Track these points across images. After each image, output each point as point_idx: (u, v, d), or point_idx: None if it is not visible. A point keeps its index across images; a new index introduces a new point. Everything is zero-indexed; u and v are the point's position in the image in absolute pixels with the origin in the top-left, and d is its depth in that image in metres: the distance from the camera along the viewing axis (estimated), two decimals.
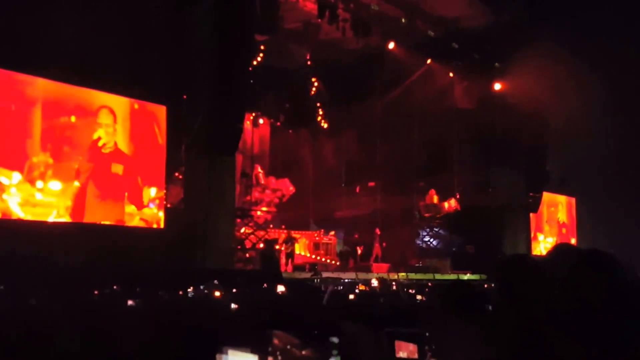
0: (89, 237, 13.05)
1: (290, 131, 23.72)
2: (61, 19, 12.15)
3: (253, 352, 2.33)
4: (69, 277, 10.30)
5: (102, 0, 12.89)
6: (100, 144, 13.84)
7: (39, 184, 12.77)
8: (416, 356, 3.18)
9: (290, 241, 19.31)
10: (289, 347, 2.32)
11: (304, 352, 2.36)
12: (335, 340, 2.68)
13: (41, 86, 13.04)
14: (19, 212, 12.47)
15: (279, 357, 2.29)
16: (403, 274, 19.95)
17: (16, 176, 12.44)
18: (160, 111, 15.05)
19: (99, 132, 13.87)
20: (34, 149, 12.82)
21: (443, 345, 2.90)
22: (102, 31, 12.66)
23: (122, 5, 13.16)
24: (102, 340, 6.98)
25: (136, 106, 14.73)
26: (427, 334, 3.10)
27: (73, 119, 13.50)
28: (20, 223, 12.39)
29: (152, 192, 14.83)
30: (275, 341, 2.32)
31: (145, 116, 14.94)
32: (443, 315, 3.06)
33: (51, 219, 12.95)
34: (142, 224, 14.59)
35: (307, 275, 17.22)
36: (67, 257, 11.53)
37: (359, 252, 22.11)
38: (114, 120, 14.10)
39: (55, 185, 13.05)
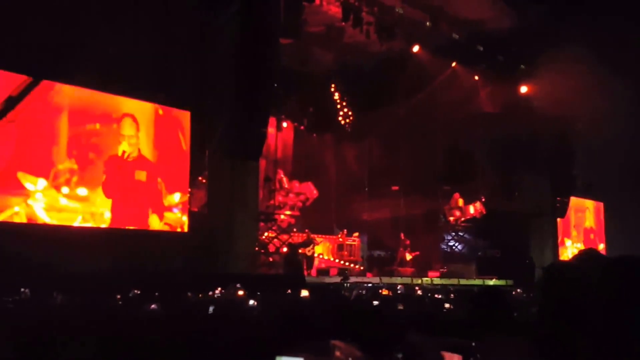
0: (113, 241, 13.12)
1: (314, 135, 23.69)
2: (87, 27, 12.25)
3: None
4: (94, 281, 10.36)
5: (126, 7, 12.96)
6: (125, 156, 13.93)
7: (65, 189, 12.90)
8: None
9: (310, 244, 19.23)
10: (350, 359, 2.24)
11: None
12: (399, 353, 2.63)
13: (67, 93, 13.15)
14: (44, 217, 12.59)
15: None
16: (427, 278, 19.81)
17: (42, 182, 12.57)
18: (185, 116, 15.12)
19: (123, 146, 13.96)
20: (60, 156, 12.95)
21: (489, 357, 2.85)
22: (127, 38, 12.74)
23: (146, 12, 13.24)
24: (125, 345, 6.99)
25: (160, 112, 14.81)
26: (473, 345, 3.08)
27: (98, 126, 13.62)
28: (46, 228, 12.50)
29: (176, 197, 14.89)
30: (337, 353, 2.24)
31: (169, 122, 15.01)
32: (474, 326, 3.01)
33: (76, 224, 13.05)
34: (166, 229, 14.65)
35: (331, 279, 17.19)
36: (92, 262, 11.59)
37: (409, 257, 22.01)
38: (137, 129, 14.20)
39: (81, 191, 13.16)
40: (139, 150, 14.25)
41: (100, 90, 13.52)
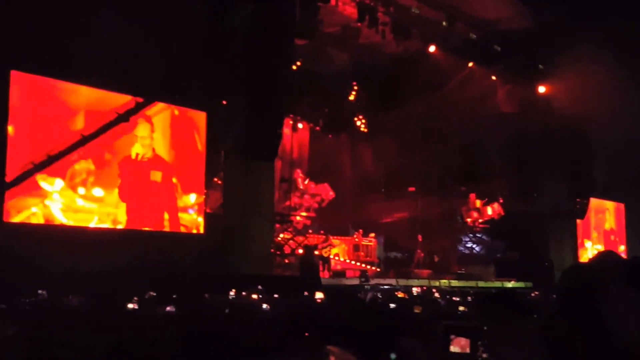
0: (129, 242, 13.14)
1: (330, 136, 23.61)
2: (102, 28, 12.29)
3: None
4: (109, 282, 10.37)
5: (141, 9, 12.98)
6: (139, 158, 13.95)
7: (81, 190, 12.95)
8: (468, 350, 3.20)
9: (327, 245, 19.20)
10: None
11: None
12: (393, 357, 2.64)
13: (83, 94, 13.21)
14: (61, 217, 12.65)
15: None
16: (445, 281, 19.64)
17: (59, 183, 12.63)
18: (200, 117, 15.14)
19: (136, 147, 13.99)
20: (76, 156, 12.99)
21: (497, 341, 2.84)
22: (142, 39, 12.76)
23: (161, 13, 13.24)
24: (141, 346, 6.98)
25: (176, 112, 14.82)
26: (484, 328, 3.11)
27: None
28: (62, 228, 12.55)
29: (192, 197, 14.90)
30: (332, 358, 2.23)
31: (185, 122, 15.04)
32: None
33: (92, 224, 13.10)
34: (182, 230, 14.66)
35: (348, 281, 17.12)
36: (108, 263, 11.60)
37: (436, 259, 21.91)
38: (151, 130, 14.22)
39: (97, 191, 13.21)
40: (154, 150, 14.28)
41: (116, 92, 13.57)
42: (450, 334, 3.26)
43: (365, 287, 15.23)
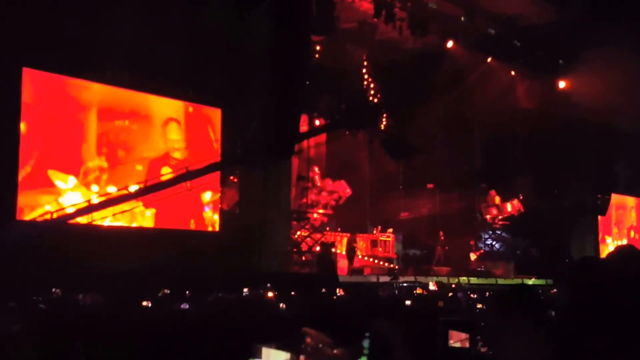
0: (143, 240, 13.09)
1: (347, 133, 23.44)
2: (115, 24, 12.24)
3: (285, 349, 2.40)
4: (124, 280, 10.31)
5: (156, 4, 12.92)
6: (172, 162, 13.93)
7: (94, 188, 12.91)
8: (467, 345, 3.25)
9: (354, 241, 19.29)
10: (320, 345, 2.36)
11: (335, 351, 2.38)
12: (366, 339, 2.65)
13: (96, 91, 13.19)
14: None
15: (311, 356, 2.33)
16: (464, 278, 19.45)
17: (72, 180, 12.61)
18: (215, 114, 15.06)
19: (175, 154, 13.91)
20: (90, 153, 13.00)
21: (497, 336, 2.73)
22: (157, 35, 12.72)
23: (176, 9, 13.18)
24: (157, 343, 6.91)
25: (190, 109, 14.75)
26: (481, 324, 3.17)
27: (127, 123, 13.61)
28: (76, 226, 12.49)
29: (207, 195, 14.82)
30: (308, 340, 2.35)
31: (199, 120, 14.95)
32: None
33: (107, 222, 13.03)
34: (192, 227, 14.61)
35: (368, 278, 17.02)
36: (122, 261, 11.53)
37: (472, 258, 21.77)
38: (183, 132, 14.22)
39: (111, 189, 13.14)
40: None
41: (129, 89, 13.52)
42: (448, 329, 3.26)
43: (394, 284, 15.14)
